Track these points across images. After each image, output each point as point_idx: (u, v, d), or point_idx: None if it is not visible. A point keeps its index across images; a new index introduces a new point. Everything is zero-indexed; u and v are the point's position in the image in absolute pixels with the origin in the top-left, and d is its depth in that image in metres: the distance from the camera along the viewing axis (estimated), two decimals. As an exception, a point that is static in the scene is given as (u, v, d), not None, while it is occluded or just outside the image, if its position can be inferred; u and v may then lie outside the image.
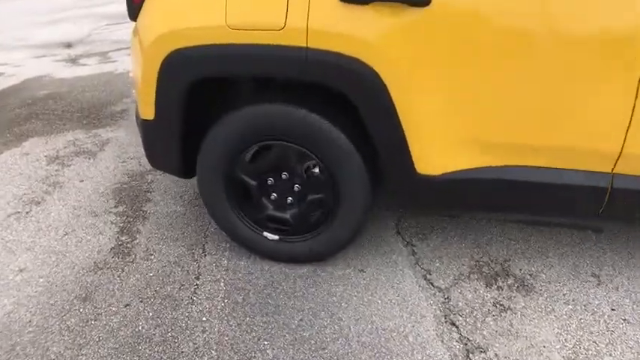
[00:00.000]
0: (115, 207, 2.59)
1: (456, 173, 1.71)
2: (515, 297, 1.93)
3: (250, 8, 1.61)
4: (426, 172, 1.72)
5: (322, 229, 1.96)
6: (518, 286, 1.98)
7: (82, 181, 2.87)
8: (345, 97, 1.66)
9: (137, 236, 2.33)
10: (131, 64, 2.08)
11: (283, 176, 1.91)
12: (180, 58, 1.71)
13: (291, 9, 1.57)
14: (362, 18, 1.52)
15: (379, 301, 1.89)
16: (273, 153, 1.89)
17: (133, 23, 2.01)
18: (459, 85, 1.56)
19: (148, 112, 1.89)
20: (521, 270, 2.07)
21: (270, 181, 1.93)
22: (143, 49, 1.79)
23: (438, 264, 2.10)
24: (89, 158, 3.15)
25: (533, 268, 2.08)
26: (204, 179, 1.97)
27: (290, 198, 1.95)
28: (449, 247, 2.20)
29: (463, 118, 1.61)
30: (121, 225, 2.42)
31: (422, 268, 2.07)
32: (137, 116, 2.06)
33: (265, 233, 2.02)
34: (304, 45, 1.58)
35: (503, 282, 2.00)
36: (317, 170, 1.88)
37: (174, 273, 2.07)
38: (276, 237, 2.02)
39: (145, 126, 1.95)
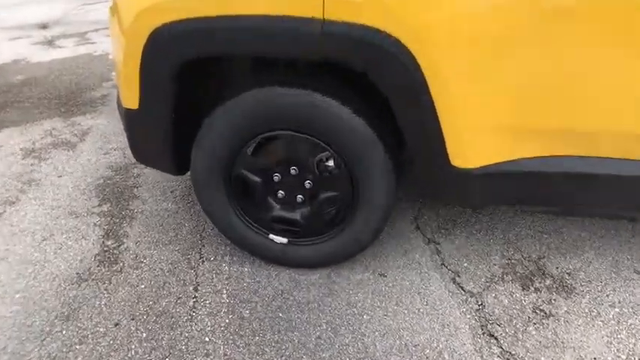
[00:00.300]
0: (99, 206, 2.29)
1: (497, 166, 1.45)
2: (555, 300, 1.70)
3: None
4: (462, 166, 1.45)
5: (338, 230, 1.69)
6: (557, 288, 1.75)
7: (61, 176, 2.56)
8: (367, 79, 1.38)
9: (124, 240, 2.05)
10: (111, 45, 1.76)
11: (292, 171, 1.63)
12: (167, 35, 1.40)
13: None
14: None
15: (406, 312, 1.65)
16: (279, 145, 1.61)
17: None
18: (510, 65, 1.28)
19: (132, 101, 1.58)
20: (557, 268, 1.84)
21: (277, 177, 1.65)
22: (123, 27, 1.47)
23: (466, 264, 1.86)
24: (68, 150, 2.83)
25: (570, 266, 1.85)
26: (199, 177, 1.68)
27: (300, 196, 1.68)
28: (476, 243, 1.96)
29: (511, 102, 1.34)
30: (106, 227, 2.13)
31: (449, 270, 1.83)
32: (119, 105, 1.75)
33: (272, 236, 1.75)
34: (320, 16, 1.29)
35: (540, 283, 1.77)
36: (331, 164, 1.61)
37: (169, 284, 1.80)
38: (284, 240, 1.75)
39: (128, 116, 1.64)
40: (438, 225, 2.06)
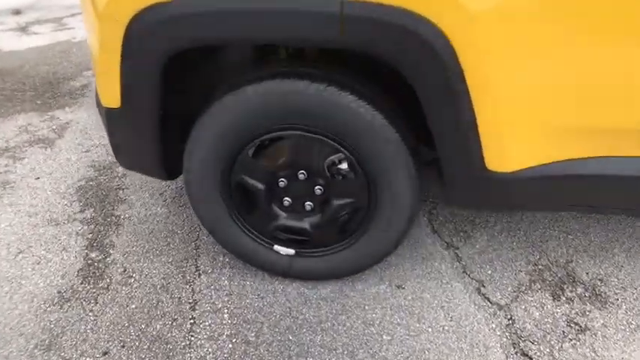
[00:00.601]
0: (81, 212, 2.05)
1: (538, 168, 1.26)
2: (590, 312, 1.53)
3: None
4: (499, 170, 1.26)
5: (352, 240, 1.50)
6: (590, 297, 1.59)
7: (39, 178, 2.31)
8: (387, 71, 1.18)
9: (111, 251, 1.82)
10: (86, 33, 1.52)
11: (300, 176, 1.42)
12: (153, 19, 1.16)
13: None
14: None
15: (430, 330, 1.47)
16: (285, 147, 1.40)
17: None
18: (561, 55, 1.08)
19: (112, 98, 1.35)
20: (588, 274, 1.67)
21: (283, 182, 1.44)
22: (98, 10, 1.23)
23: (490, 271, 1.68)
24: (46, 148, 2.57)
25: (601, 271, 1.68)
26: (194, 183, 1.47)
27: (309, 203, 1.47)
28: (498, 247, 1.78)
29: (560, 100, 1.14)
30: (90, 236, 1.91)
31: (472, 279, 1.65)
32: (98, 103, 1.52)
33: (277, 247, 1.55)
34: (338, -3, 1.07)
35: (572, 292, 1.60)
36: (344, 166, 1.40)
37: (163, 302, 1.59)
38: (291, 251, 1.55)
39: (109, 116, 1.41)
40: (455, 227, 1.88)
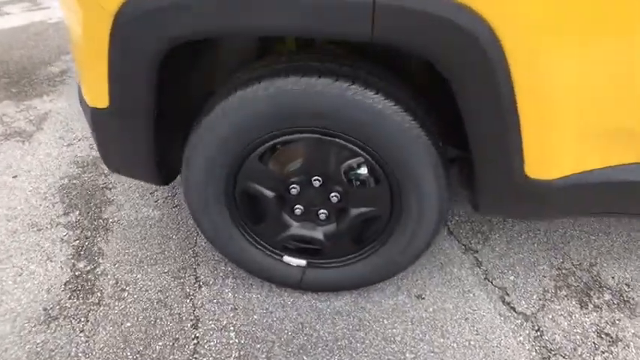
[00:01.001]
0: (65, 214, 1.86)
1: (579, 176, 1.12)
2: (620, 321, 1.43)
3: None
4: (539, 177, 1.12)
5: (370, 250, 1.35)
6: (618, 304, 1.48)
7: (16, 176, 2.09)
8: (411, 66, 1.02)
9: (100, 260, 1.65)
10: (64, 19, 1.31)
11: (315, 183, 1.26)
12: (147, 5, 0.97)
13: None
14: None
15: (455, 345, 1.34)
16: (298, 150, 1.23)
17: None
18: (613, 56, 0.94)
19: (99, 97, 1.16)
20: (613, 278, 1.56)
21: (295, 190, 1.28)
22: None
23: (512, 277, 1.56)
24: (23, 142, 2.34)
25: (627, 274, 1.58)
26: (194, 191, 1.29)
27: (323, 211, 1.32)
28: (519, 250, 1.66)
29: (610, 101, 1.00)
30: (76, 243, 1.72)
31: (495, 286, 1.53)
32: (82, 101, 1.32)
33: (287, 258, 1.40)
34: (369, -18, 0.90)
35: (599, 298, 1.49)
36: (363, 171, 1.25)
37: (162, 320, 1.43)
38: (302, 262, 1.40)
39: (95, 117, 1.22)
40: (472, 228, 1.75)
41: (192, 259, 1.63)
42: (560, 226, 1.75)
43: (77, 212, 1.87)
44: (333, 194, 1.27)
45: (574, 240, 1.70)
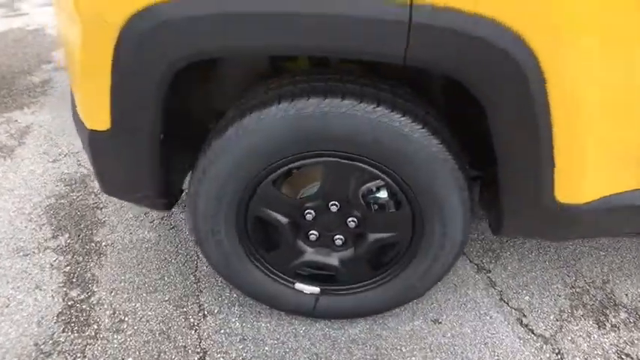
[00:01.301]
0: (53, 238, 1.72)
1: (611, 198, 1.07)
2: (638, 340, 1.39)
3: None
4: (569, 201, 1.06)
5: (388, 275, 1.27)
6: (635, 322, 1.44)
7: (-2, 196, 1.94)
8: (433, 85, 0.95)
9: (94, 288, 1.52)
10: (58, 34, 1.19)
11: (332, 207, 1.17)
12: (156, 21, 0.87)
13: None
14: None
15: (477, 374, 1.28)
16: (315, 174, 1.15)
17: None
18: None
19: (99, 119, 1.05)
20: (627, 295, 1.52)
21: (310, 215, 1.19)
22: (80, 8, 0.92)
23: (527, 297, 1.50)
24: (4, 158, 2.18)
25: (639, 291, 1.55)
26: (202, 217, 1.19)
27: (340, 237, 1.23)
28: (532, 269, 1.60)
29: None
30: (67, 269, 1.59)
31: (511, 307, 1.47)
32: (77, 121, 1.20)
33: (299, 285, 1.30)
34: (407, 0, 0.82)
35: (615, 317, 1.45)
36: (383, 195, 1.17)
37: (166, 353, 1.31)
38: (315, 289, 1.31)
39: (94, 140, 1.10)
40: (482, 246, 1.69)
41: (195, 286, 1.52)
42: (569, 242, 1.71)
43: (67, 235, 1.73)
44: (350, 219, 1.19)
45: (584, 256, 1.66)
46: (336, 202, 1.16)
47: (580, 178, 1.04)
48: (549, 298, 1.50)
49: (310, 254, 1.26)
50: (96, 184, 1.99)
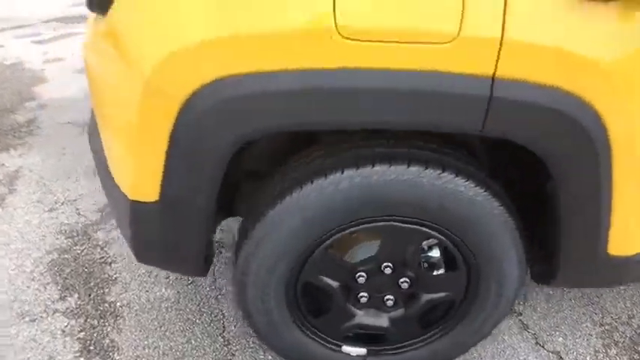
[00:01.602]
0: (61, 299, 1.58)
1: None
2: (673, 377, 1.39)
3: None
4: (620, 254, 1.06)
5: (438, 334, 1.22)
6: (666, 358, 1.45)
7: (-7, 253, 1.77)
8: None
9: (116, 356, 1.39)
10: (91, 97, 1.10)
11: (386, 270, 1.12)
12: (224, 96, 0.81)
13: (470, 2, 0.75)
14: (606, 27, 0.77)
15: None
16: (370, 237, 1.09)
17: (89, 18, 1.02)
18: None
19: (146, 190, 0.96)
20: (653, 330, 1.54)
21: (362, 278, 1.13)
22: (144, 78, 0.84)
23: (561, 338, 1.49)
24: (-5, 208, 2.01)
25: (664, 325, 1.56)
26: (251, 286, 1.09)
27: (391, 297, 1.17)
28: (559, 309, 1.59)
29: None
30: (82, 336, 1.45)
31: (548, 351, 1.44)
32: (110, 187, 1.10)
33: (346, 348, 1.23)
34: (490, 72, 0.79)
35: (647, 355, 1.45)
36: (436, 254, 1.13)
37: None
38: (362, 351, 1.24)
39: (137, 211, 1.00)
40: (508, 287, 1.67)
41: (225, 349, 1.41)
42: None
43: (76, 295, 1.59)
44: (403, 280, 1.14)
45: (606, 292, 1.66)
46: (390, 264, 1.11)
47: (632, 235, 1.05)
48: (582, 338, 1.49)
49: (360, 317, 1.19)
50: (100, 235, 1.86)
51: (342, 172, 0.94)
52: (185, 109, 0.82)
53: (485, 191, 0.98)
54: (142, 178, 0.94)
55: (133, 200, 0.99)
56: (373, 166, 0.94)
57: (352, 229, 1.03)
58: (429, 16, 0.76)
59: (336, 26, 0.74)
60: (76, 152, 2.40)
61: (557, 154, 0.90)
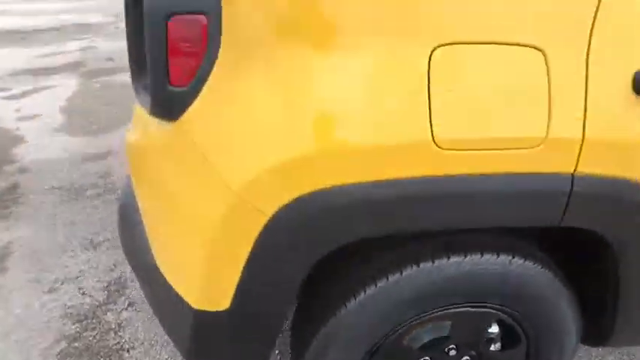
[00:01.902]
0: (80, 397, 1.44)
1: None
2: None
3: (479, 110, 0.76)
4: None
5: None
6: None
7: (-7, 347, 1.60)
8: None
9: None
10: (136, 187, 1.03)
11: (451, 352, 1.09)
12: (313, 209, 0.78)
13: (557, 107, 0.77)
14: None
15: None
16: (436, 322, 1.07)
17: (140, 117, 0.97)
18: None
19: (215, 300, 0.89)
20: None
21: (426, 360, 1.10)
22: (232, 191, 0.79)
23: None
24: (-13, 293, 1.83)
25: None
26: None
27: (451, 376, 1.15)
28: (590, 356, 1.62)
29: None
30: None
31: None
32: (153, 284, 1.02)
33: None
34: (571, 170, 0.81)
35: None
36: (495, 330, 1.12)
37: None
38: None
39: (202, 320, 0.93)
40: None
41: None
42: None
43: (96, 391, 1.46)
44: (465, 358, 1.12)
45: (608, 354, 1.71)
46: (454, 346, 1.09)
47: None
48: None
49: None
50: (111, 318, 1.73)
51: (418, 266, 0.92)
52: (272, 221, 0.78)
53: (548, 271, 0.99)
54: (213, 288, 0.88)
55: (197, 310, 0.92)
56: (449, 258, 0.93)
57: (424, 317, 1.00)
58: (519, 124, 0.77)
59: (433, 139, 0.74)
60: (68, 222, 2.26)
61: (624, 237, 0.92)
